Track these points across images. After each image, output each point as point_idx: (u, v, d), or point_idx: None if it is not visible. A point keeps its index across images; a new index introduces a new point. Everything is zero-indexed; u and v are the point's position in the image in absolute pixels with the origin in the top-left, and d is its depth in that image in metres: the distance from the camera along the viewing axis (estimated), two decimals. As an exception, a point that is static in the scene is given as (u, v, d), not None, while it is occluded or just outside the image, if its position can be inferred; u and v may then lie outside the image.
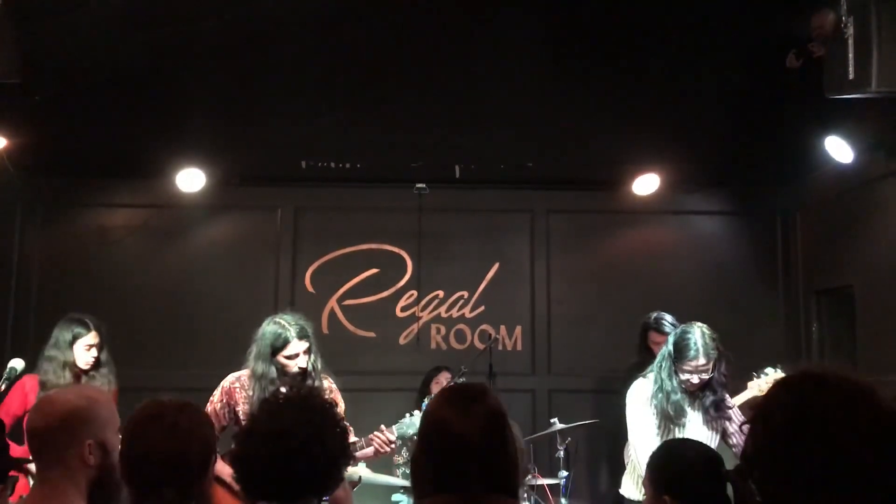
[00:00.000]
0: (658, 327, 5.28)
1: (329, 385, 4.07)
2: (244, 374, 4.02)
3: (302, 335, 3.93)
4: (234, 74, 5.00)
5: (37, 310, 6.24)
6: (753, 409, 1.44)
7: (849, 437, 1.29)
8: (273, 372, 3.91)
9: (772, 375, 4.67)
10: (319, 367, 4.01)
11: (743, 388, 4.59)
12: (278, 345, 3.91)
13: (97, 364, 4.60)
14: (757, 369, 4.71)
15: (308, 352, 3.96)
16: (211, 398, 4.02)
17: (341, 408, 4.09)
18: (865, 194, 5.44)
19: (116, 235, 6.49)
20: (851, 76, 3.31)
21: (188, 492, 2.06)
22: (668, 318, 5.29)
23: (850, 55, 3.28)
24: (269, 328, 3.96)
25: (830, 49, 3.49)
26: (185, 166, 6.04)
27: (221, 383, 4.06)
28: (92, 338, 4.56)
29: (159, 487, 2.02)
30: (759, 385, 4.71)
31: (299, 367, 3.93)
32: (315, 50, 4.83)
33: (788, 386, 1.41)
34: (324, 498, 2.13)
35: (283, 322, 3.97)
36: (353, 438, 3.62)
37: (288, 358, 3.92)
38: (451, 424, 1.94)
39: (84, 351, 4.54)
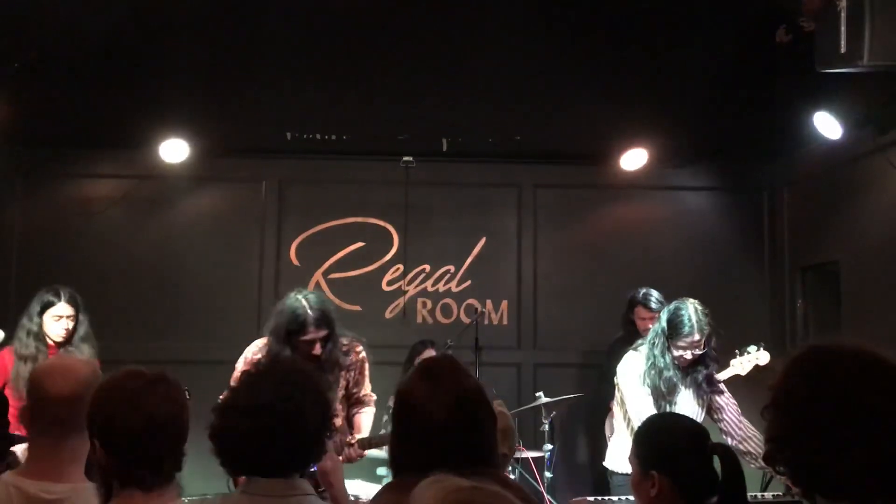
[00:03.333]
0: (645, 303, 5.31)
1: (354, 357, 3.83)
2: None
3: (320, 322, 3.61)
4: (220, 44, 4.92)
5: (17, 281, 6.14)
6: (771, 392, 1.53)
7: (871, 397, 1.40)
8: (287, 353, 3.58)
9: (754, 354, 4.70)
10: (339, 357, 3.73)
11: (726, 365, 4.61)
12: (293, 328, 3.61)
13: (71, 337, 4.41)
14: (740, 345, 4.73)
15: (327, 339, 3.65)
16: (235, 369, 3.70)
17: (367, 387, 3.93)
18: (853, 170, 5.43)
19: (98, 206, 6.39)
20: (843, 50, 3.28)
21: (178, 465, 1.99)
22: (655, 294, 5.31)
23: (843, 28, 3.25)
24: (289, 304, 3.66)
25: (822, 22, 3.46)
26: (169, 136, 5.94)
27: (244, 353, 3.80)
28: (62, 308, 4.37)
29: (158, 459, 1.92)
30: (742, 362, 4.74)
31: (313, 354, 3.62)
32: (302, 20, 4.75)
33: (803, 362, 1.50)
34: (310, 468, 2.11)
35: (304, 302, 3.64)
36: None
37: (303, 343, 3.63)
38: (417, 404, 1.91)
39: (53, 321, 4.35)
